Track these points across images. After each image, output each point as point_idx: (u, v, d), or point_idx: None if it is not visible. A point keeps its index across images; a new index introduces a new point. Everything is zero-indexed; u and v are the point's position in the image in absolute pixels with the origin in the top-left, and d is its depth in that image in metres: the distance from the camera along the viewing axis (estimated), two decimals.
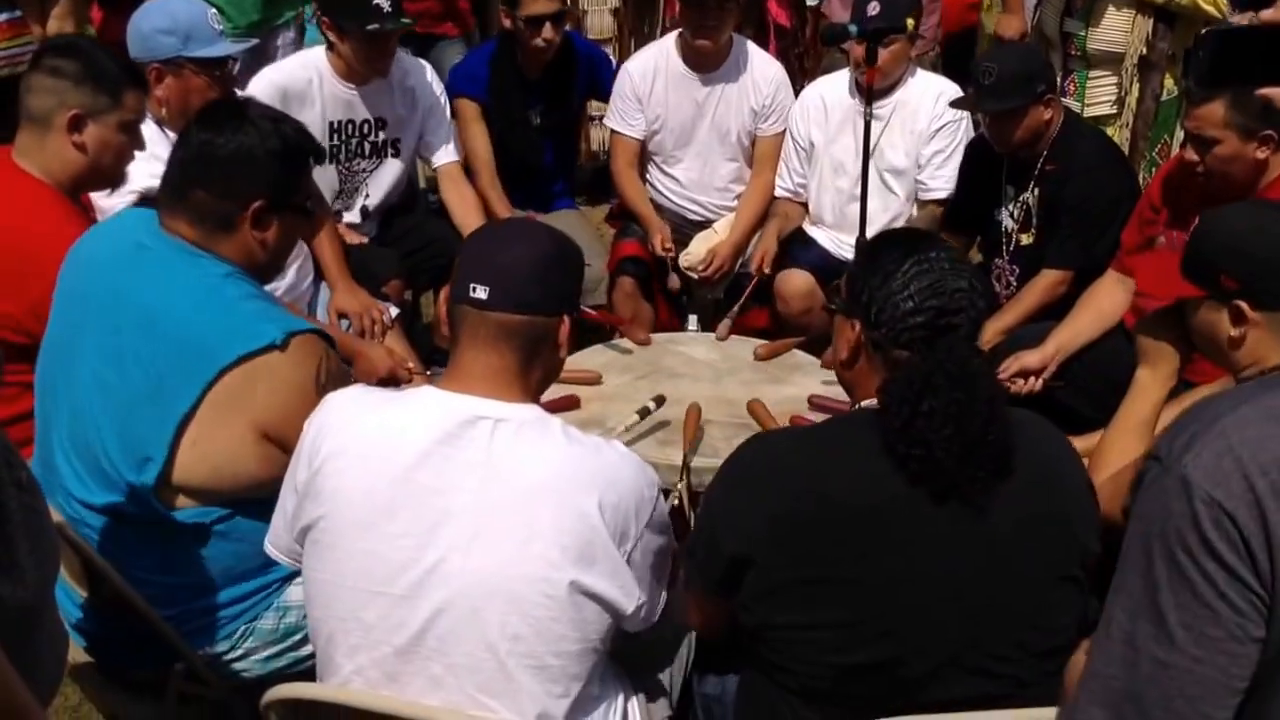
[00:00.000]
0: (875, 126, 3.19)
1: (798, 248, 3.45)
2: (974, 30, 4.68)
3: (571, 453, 1.55)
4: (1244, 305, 1.65)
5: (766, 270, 3.34)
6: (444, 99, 3.39)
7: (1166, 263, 1.99)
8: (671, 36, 3.51)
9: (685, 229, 3.61)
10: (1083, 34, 3.45)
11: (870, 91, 2.82)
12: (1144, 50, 3.38)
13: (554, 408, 2.34)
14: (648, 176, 3.66)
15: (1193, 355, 1.93)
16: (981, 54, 3.00)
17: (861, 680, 1.55)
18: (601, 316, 3.21)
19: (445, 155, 3.39)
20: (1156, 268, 2.65)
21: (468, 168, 3.53)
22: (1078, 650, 1.46)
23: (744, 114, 3.53)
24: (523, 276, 1.57)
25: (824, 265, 3.35)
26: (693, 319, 3.25)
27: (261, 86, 3.07)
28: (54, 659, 1.24)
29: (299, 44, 4.08)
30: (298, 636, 1.97)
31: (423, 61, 3.42)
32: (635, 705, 1.74)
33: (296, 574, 1.91)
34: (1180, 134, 3.31)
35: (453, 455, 1.54)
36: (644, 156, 3.63)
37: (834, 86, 3.43)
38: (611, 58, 4.12)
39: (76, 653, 1.96)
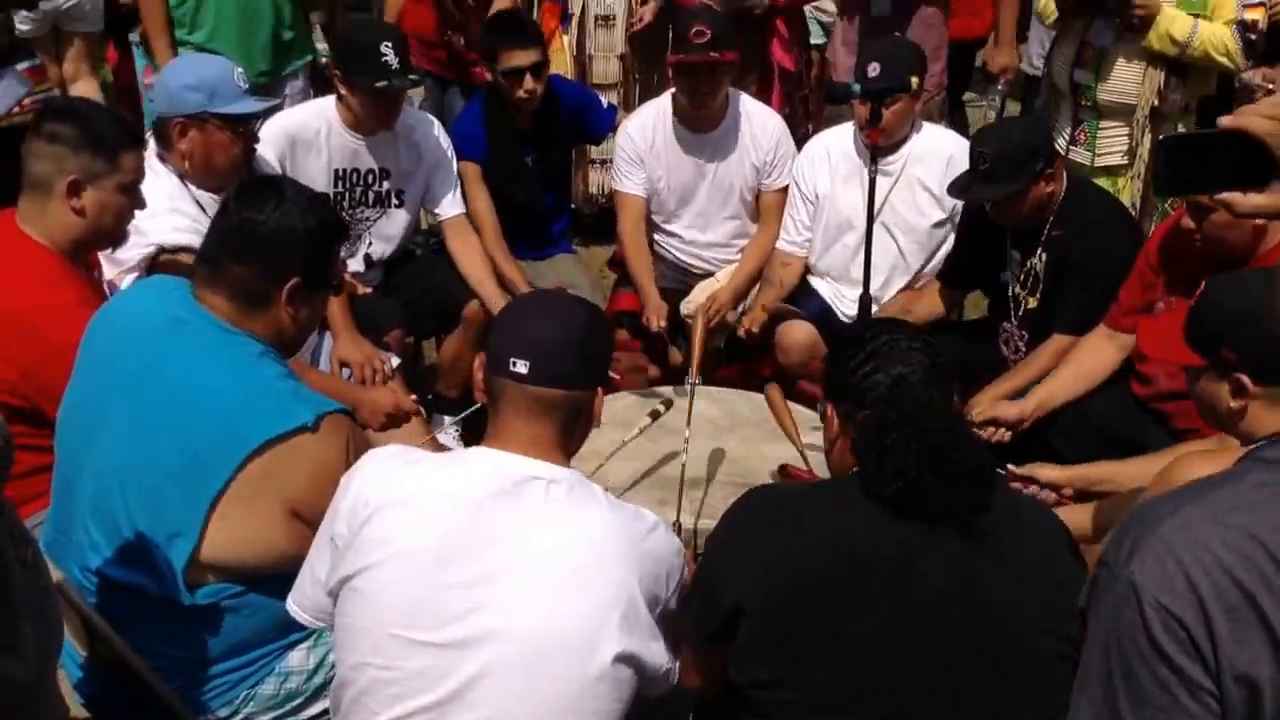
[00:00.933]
0: (884, 182, 3.23)
1: (800, 299, 3.45)
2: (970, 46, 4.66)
3: (616, 519, 1.62)
4: (1244, 378, 1.65)
5: (755, 331, 3.32)
6: (450, 154, 3.43)
7: (1169, 327, 2.03)
8: (668, 96, 3.52)
9: (687, 280, 3.62)
10: (1093, 85, 3.43)
11: (875, 151, 2.81)
12: (1156, 101, 3.36)
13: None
14: (651, 226, 3.66)
15: None
16: (975, 137, 2.94)
17: None
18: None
19: (450, 208, 3.43)
20: (1159, 332, 2.64)
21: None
22: None
23: (745, 170, 3.53)
24: (561, 352, 1.64)
25: (825, 318, 3.36)
26: (692, 371, 3.24)
27: (272, 133, 3.10)
28: None
29: (307, 92, 4.13)
30: (297, 701, 2.00)
31: (430, 117, 3.47)
32: None
33: (299, 640, 1.98)
34: None
35: (508, 511, 1.60)
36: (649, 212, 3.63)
37: (840, 139, 3.41)
38: (617, 104, 4.13)
39: (76, 710, 1.98)
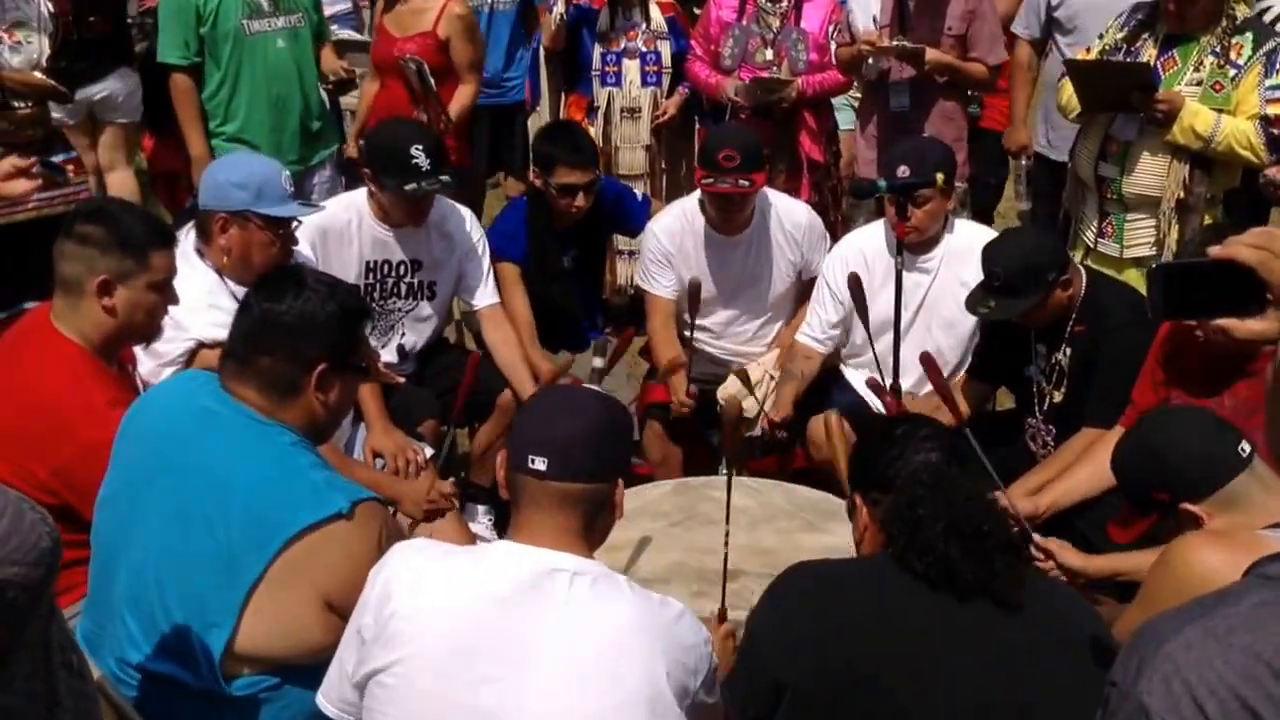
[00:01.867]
0: (923, 280, 3.25)
1: (833, 391, 3.44)
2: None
3: (641, 609, 1.63)
4: (1188, 506, 1.69)
5: (782, 435, 3.30)
6: (482, 244, 3.45)
7: None
8: (695, 197, 3.54)
9: (721, 372, 3.61)
10: (1119, 179, 3.45)
11: (901, 246, 2.84)
12: (1181, 194, 3.38)
13: None
14: (682, 323, 3.63)
15: None
16: (986, 253, 2.96)
17: None
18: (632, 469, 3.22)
19: (485, 298, 3.44)
20: None
21: None
22: None
23: (778, 267, 3.55)
24: (579, 447, 1.66)
25: (858, 411, 3.34)
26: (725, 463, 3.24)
27: (304, 226, 3.13)
28: None
29: (336, 180, 4.21)
30: None
31: (461, 207, 3.49)
32: None
33: None
34: None
35: (533, 604, 1.60)
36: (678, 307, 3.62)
37: (872, 239, 3.42)
38: (641, 194, 4.17)
39: None
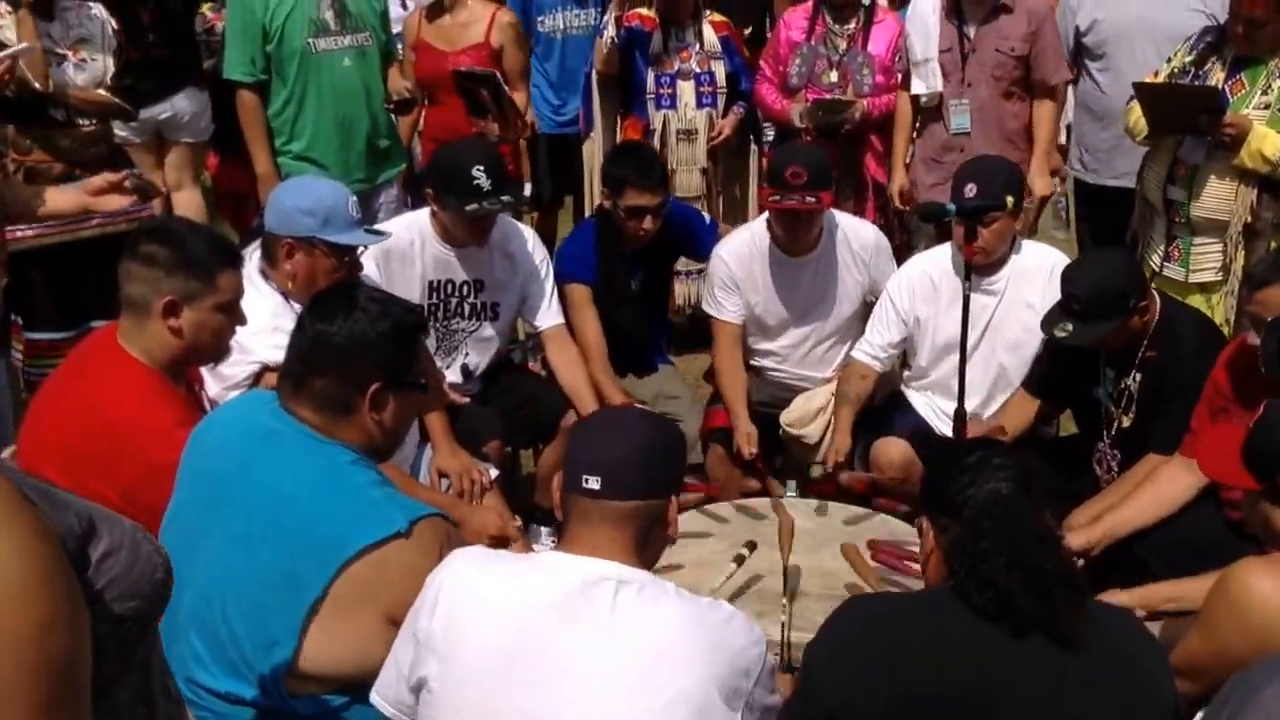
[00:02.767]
0: (989, 301, 3.21)
1: (896, 414, 3.41)
2: None
3: (688, 614, 1.63)
4: None
5: (841, 461, 3.28)
6: (545, 265, 3.45)
7: (1227, 446, 2.05)
8: (762, 221, 3.53)
9: (787, 396, 3.59)
10: (1186, 202, 3.41)
11: (969, 269, 2.82)
12: (1249, 218, 3.34)
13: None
14: (748, 347, 3.64)
15: None
16: (1066, 275, 2.92)
17: None
18: (694, 488, 3.21)
19: (549, 318, 3.44)
20: (1217, 450, 2.60)
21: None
22: None
23: (846, 289, 3.53)
24: (630, 466, 1.69)
25: (922, 435, 3.32)
26: (791, 484, 3.23)
27: (371, 248, 3.16)
28: None
29: (402, 200, 4.23)
30: None
31: (524, 227, 3.50)
32: None
33: None
34: None
35: (581, 611, 1.61)
36: (744, 331, 3.61)
37: (938, 261, 3.40)
38: (709, 218, 4.16)
39: None
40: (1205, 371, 2.83)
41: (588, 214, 4.53)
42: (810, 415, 3.46)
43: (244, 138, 4.07)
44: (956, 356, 3.22)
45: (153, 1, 4.18)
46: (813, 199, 3.29)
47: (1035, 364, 3.24)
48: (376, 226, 3.20)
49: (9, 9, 3.58)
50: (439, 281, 3.33)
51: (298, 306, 2.80)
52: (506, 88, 4.12)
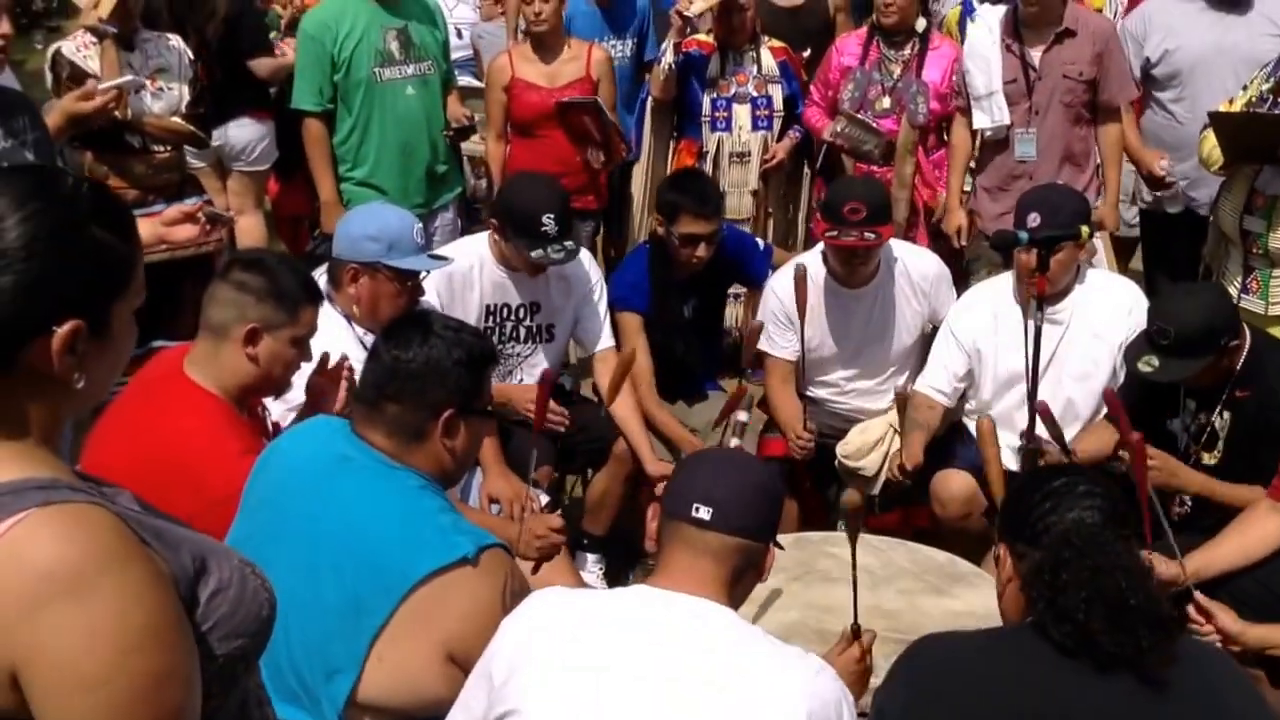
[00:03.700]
0: (1054, 332, 3.13)
1: (959, 445, 3.34)
2: None
3: (781, 660, 1.61)
4: None
5: (908, 482, 3.21)
6: (600, 287, 3.45)
7: None
8: (817, 253, 3.49)
9: (843, 428, 3.54)
10: (1265, 233, 3.33)
11: (1041, 300, 2.74)
12: None
13: None
14: (803, 378, 3.58)
15: None
16: (1156, 309, 2.84)
17: None
18: None
19: (602, 342, 3.44)
20: None
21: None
22: None
23: (904, 320, 3.47)
24: (743, 503, 1.70)
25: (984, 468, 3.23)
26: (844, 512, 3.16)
27: (433, 272, 3.17)
28: None
29: (456, 223, 4.26)
30: None
31: (580, 250, 3.49)
32: None
33: None
34: None
35: (667, 651, 1.59)
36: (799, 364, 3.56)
37: (1000, 291, 3.33)
38: (764, 244, 4.14)
39: None
40: None
41: (639, 238, 4.53)
42: (867, 447, 3.40)
43: (304, 163, 4.14)
44: (1018, 389, 3.18)
45: (193, 30, 4.25)
46: (871, 234, 3.24)
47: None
48: (436, 251, 3.23)
49: (94, 40, 3.69)
50: (496, 305, 3.34)
51: (361, 330, 2.84)
52: (611, 116, 4.21)
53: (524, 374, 3.43)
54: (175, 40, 3.98)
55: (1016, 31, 3.98)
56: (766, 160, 4.52)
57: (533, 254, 3.16)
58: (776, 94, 4.50)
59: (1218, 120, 3.39)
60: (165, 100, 3.84)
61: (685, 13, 4.36)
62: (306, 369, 2.47)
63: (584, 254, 3.48)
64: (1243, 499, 2.74)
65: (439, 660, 1.86)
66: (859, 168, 4.32)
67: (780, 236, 4.64)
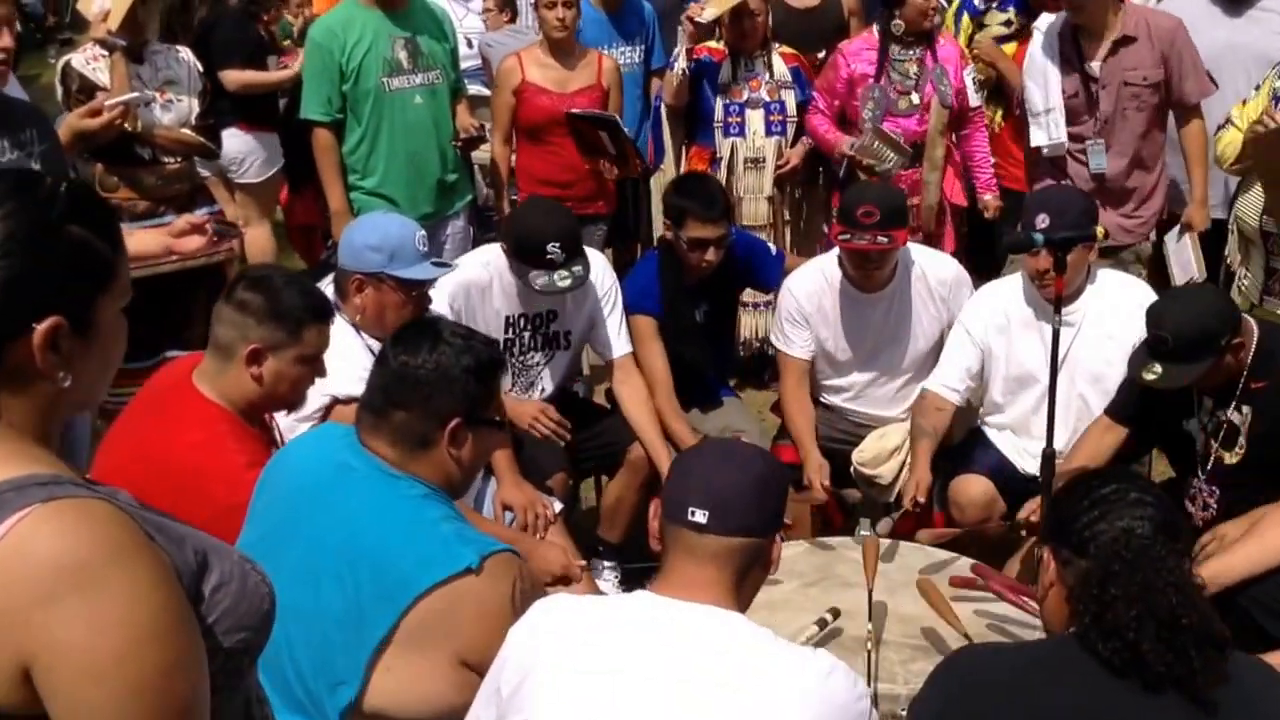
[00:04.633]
0: (1067, 333, 3.07)
1: (977, 450, 3.30)
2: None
3: (790, 662, 1.57)
4: None
5: (921, 500, 3.14)
6: (615, 291, 3.43)
7: None
8: (833, 255, 3.46)
9: (859, 434, 3.50)
10: None
11: (1059, 302, 2.71)
12: None
13: None
14: (817, 382, 3.56)
15: None
16: (1153, 316, 2.79)
17: None
18: None
19: (618, 348, 3.42)
20: None
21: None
22: None
23: (921, 325, 3.44)
24: (741, 501, 1.63)
25: (1003, 473, 3.21)
26: (864, 522, 3.13)
27: (449, 287, 3.15)
28: None
29: (467, 231, 4.26)
30: None
31: (595, 254, 3.47)
32: None
33: None
34: None
35: (674, 657, 1.56)
36: (814, 367, 3.54)
37: (1011, 291, 3.30)
38: (776, 248, 4.12)
39: None
40: None
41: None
42: (884, 455, 3.36)
43: (315, 173, 4.13)
44: (1031, 392, 3.15)
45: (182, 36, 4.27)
46: (884, 239, 3.22)
47: (1120, 392, 3.10)
48: (445, 260, 3.22)
49: (104, 53, 3.72)
50: (515, 315, 3.33)
51: (368, 340, 2.83)
52: (626, 130, 4.18)
53: (544, 383, 3.42)
54: (185, 52, 4.01)
55: (1075, 41, 3.90)
56: (780, 166, 4.50)
57: (538, 284, 3.13)
58: (790, 99, 4.49)
59: (1257, 145, 3.29)
60: (175, 112, 3.87)
61: (697, 19, 4.36)
62: (334, 365, 2.45)
63: (599, 259, 3.46)
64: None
65: (450, 668, 1.84)
66: None
67: (797, 242, 4.61)
